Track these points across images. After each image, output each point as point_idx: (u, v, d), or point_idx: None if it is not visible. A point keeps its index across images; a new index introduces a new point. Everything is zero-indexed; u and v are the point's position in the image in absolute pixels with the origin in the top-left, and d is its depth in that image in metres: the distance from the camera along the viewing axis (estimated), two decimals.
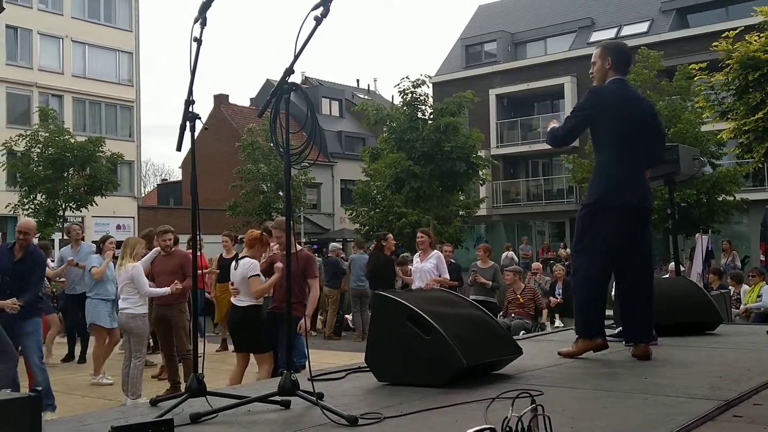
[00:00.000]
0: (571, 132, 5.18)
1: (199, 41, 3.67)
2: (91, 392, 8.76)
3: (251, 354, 7.25)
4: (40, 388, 2.36)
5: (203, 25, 3.67)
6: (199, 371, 3.57)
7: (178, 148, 3.70)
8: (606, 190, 4.97)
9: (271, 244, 7.47)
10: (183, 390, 7.58)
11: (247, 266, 7.07)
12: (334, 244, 17.80)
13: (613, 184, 4.96)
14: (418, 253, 10.07)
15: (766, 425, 3.08)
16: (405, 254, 16.66)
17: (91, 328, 9.53)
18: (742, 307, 12.06)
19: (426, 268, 9.65)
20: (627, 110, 5.02)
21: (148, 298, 8.05)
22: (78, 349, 11.33)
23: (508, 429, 2.36)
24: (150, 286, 7.91)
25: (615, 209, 4.91)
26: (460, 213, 28.74)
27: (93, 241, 12.33)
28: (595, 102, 5.08)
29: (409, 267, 10.13)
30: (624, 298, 5.14)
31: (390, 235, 11.97)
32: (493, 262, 11.93)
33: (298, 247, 7.68)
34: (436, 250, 10.01)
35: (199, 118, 3.67)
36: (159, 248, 8.40)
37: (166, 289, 7.88)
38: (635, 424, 3.07)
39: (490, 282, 11.38)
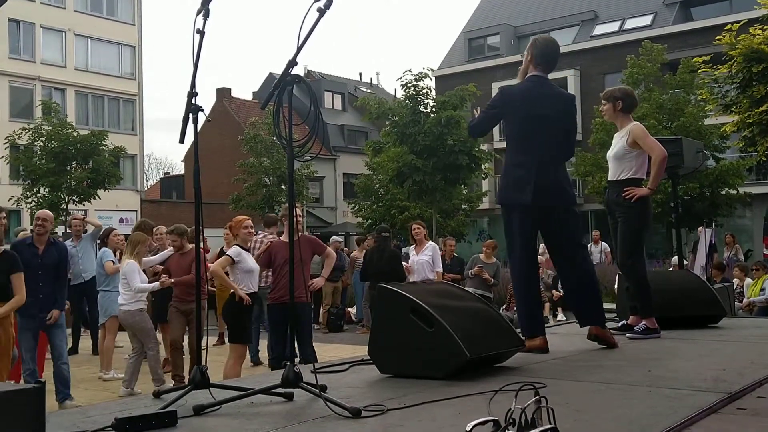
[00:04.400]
0: (478, 126, 5.37)
1: (201, 33, 3.66)
2: (94, 385, 8.75)
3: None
4: (44, 381, 2.36)
5: (206, 17, 3.66)
6: (203, 363, 3.58)
7: (181, 140, 3.70)
8: (505, 190, 5.17)
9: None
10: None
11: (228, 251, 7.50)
12: (335, 237, 17.69)
13: (510, 184, 5.13)
14: (413, 246, 10.15)
15: None
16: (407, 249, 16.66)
17: (107, 321, 9.39)
18: (745, 300, 12.05)
19: (423, 260, 9.78)
20: (529, 110, 5.09)
21: (161, 293, 8.15)
22: (83, 342, 11.34)
23: (511, 421, 2.36)
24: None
25: (517, 209, 5.07)
26: (463, 207, 28.72)
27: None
28: (499, 103, 5.25)
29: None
30: (569, 288, 5.36)
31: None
32: (495, 259, 11.94)
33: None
34: (431, 242, 10.14)
35: (202, 110, 3.67)
36: (172, 247, 8.44)
37: (155, 284, 7.92)
38: (639, 416, 3.07)
39: (492, 279, 11.48)
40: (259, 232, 9.74)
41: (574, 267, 5.18)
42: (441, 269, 10.09)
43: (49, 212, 7.60)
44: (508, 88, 5.31)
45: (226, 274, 7.26)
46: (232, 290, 7.21)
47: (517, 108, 5.13)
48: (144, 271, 8.46)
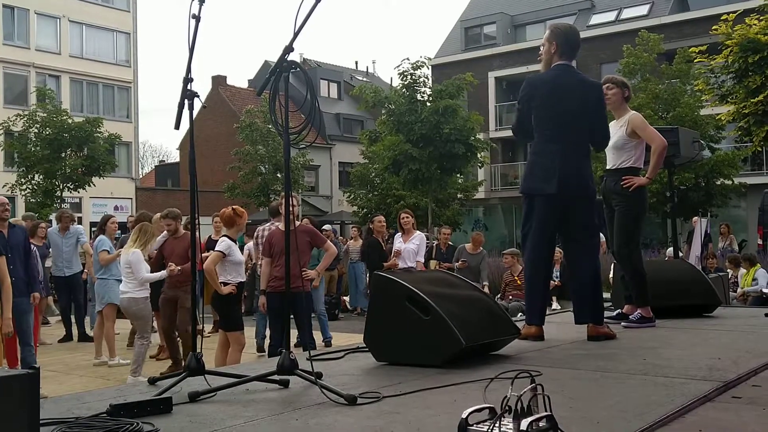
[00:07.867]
0: (517, 126, 5.33)
1: (197, 18, 3.64)
2: (89, 372, 8.76)
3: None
4: (38, 366, 2.35)
5: (201, 1, 3.64)
6: (198, 350, 3.57)
7: (177, 126, 3.68)
8: (529, 179, 5.13)
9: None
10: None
11: (218, 245, 7.36)
12: (327, 226, 17.50)
13: (535, 174, 5.09)
14: (399, 234, 10.22)
15: (765, 406, 3.08)
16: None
17: (105, 309, 9.38)
18: (739, 290, 12.08)
19: (410, 248, 9.89)
20: (555, 99, 5.04)
21: (156, 281, 8.12)
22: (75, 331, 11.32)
23: (507, 408, 2.35)
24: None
25: (538, 198, 5.05)
26: (459, 196, 28.73)
27: (92, 222, 12.27)
28: (524, 95, 5.18)
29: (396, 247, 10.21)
30: (571, 282, 5.29)
31: (377, 218, 12.01)
32: (482, 249, 12.17)
33: (297, 222, 7.74)
34: (418, 232, 10.27)
35: (198, 96, 3.65)
36: (166, 232, 8.41)
37: (162, 273, 7.89)
38: (634, 404, 3.07)
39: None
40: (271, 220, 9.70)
41: (582, 259, 5.13)
42: (422, 260, 10.22)
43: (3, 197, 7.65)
44: (534, 77, 5.23)
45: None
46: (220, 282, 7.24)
47: (542, 97, 5.08)
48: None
